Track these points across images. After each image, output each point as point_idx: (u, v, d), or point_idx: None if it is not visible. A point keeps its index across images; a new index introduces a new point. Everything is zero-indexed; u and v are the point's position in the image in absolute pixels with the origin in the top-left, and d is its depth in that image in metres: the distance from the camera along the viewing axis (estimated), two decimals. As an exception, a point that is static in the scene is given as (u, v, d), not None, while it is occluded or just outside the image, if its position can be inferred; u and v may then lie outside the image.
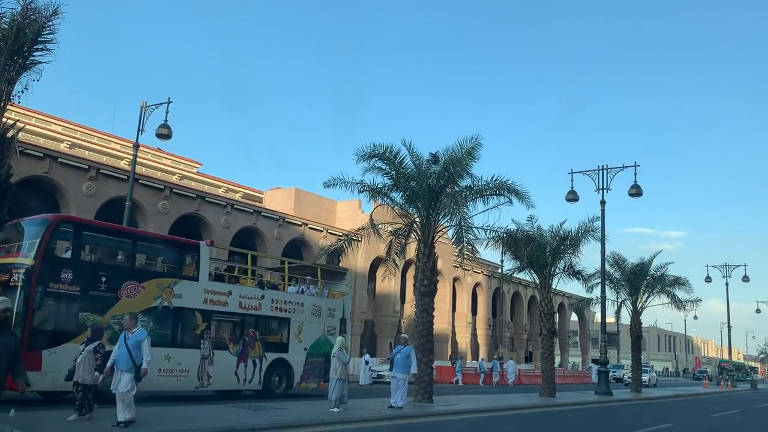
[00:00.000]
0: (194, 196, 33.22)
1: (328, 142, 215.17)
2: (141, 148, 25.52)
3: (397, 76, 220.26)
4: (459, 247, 18.30)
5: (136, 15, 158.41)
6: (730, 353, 63.62)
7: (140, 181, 29.67)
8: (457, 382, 37.77)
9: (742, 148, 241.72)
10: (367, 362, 30.43)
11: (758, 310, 77.77)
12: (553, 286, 28.22)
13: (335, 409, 14.82)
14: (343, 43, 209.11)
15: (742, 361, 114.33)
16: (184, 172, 49.79)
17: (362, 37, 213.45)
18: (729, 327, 57.49)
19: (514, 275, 32.20)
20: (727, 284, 53.31)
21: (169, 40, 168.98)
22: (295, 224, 38.39)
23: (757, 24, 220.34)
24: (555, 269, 27.45)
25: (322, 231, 39.56)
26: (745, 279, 53.45)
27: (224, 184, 51.47)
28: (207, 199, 33.90)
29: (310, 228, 39.11)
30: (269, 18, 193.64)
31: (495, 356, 48.35)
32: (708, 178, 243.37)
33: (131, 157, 23.39)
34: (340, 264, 41.23)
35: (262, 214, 36.69)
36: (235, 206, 35.30)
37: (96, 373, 10.97)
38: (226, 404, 15.75)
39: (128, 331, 10.85)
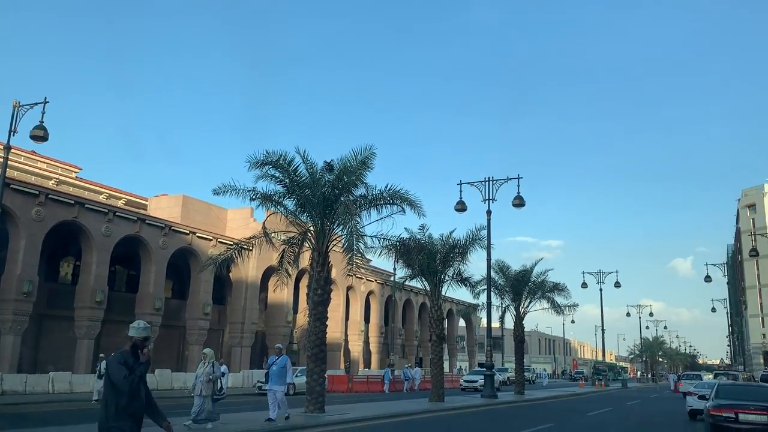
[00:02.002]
0: (72, 202, 31.23)
1: (230, 145, 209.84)
2: (13, 150, 23.72)
3: (307, 82, 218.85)
4: (349, 256, 18.38)
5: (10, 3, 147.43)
6: (603, 355, 67.84)
7: (12, 185, 27.47)
8: (387, 389, 38.29)
9: (614, 163, 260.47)
10: (223, 374, 28.96)
11: (628, 314, 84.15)
12: (443, 293, 28.96)
13: (188, 423, 14.02)
14: (253, 50, 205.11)
15: (614, 362, 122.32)
16: (61, 177, 46.69)
17: (274, 43, 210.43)
18: (603, 330, 61.44)
19: (406, 283, 32.76)
20: (601, 290, 57.04)
21: (55, 36, 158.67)
22: (182, 233, 37.02)
23: (637, 49, 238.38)
24: (445, 276, 28.21)
25: (211, 240, 38.40)
26: (617, 285, 57.37)
27: (106, 190, 48.80)
28: (86, 205, 31.98)
29: (198, 236, 37.85)
30: (169, 20, 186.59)
31: (392, 364, 48.81)
32: (583, 190, 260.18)
33: (1, 160, 21.65)
34: (230, 274, 40.36)
35: (147, 221, 35.08)
36: (117, 213, 33.50)
37: None
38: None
39: None
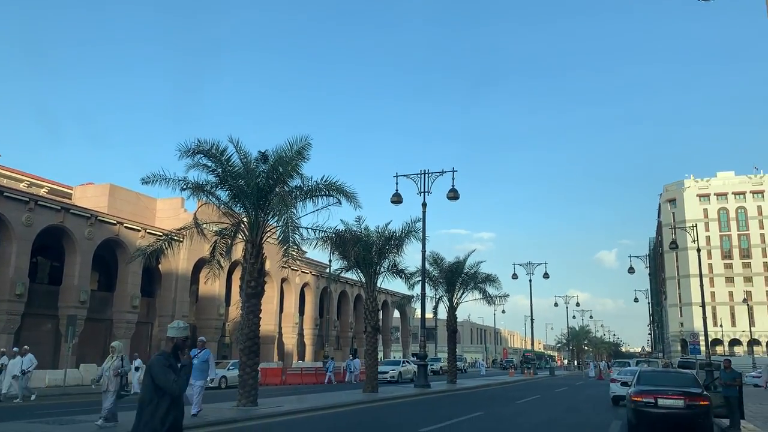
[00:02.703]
0: (-11, 190, 29.62)
1: (160, 132, 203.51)
2: None
3: (242, 69, 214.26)
4: (285, 248, 18.14)
5: None
6: (532, 344, 69.94)
7: None
8: (330, 381, 38.42)
9: (543, 159, 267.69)
10: (137, 368, 26.42)
11: (556, 304, 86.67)
12: (378, 285, 29.06)
13: (99, 422, 13.08)
14: (183, 34, 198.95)
15: (543, 351, 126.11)
16: (-24, 163, 44.23)
17: (207, 27, 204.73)
18: (532, 320, 63.21)
19: (342, 275, 32.71)
20: (530, 281, 58.64)
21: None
22: (110, 223, 35.72)
23: (569, 48, 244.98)
24: (380, 268, 28.31)
25: (139, 230, 37.22)
26: (546, 276, 59.12)
27: (27, 178, 46.47)
28: (5, 193, 30.38)
29: (126, 227, 36.61)
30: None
31: (327, 356, 48.73)
32: (514, 184, 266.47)
33: None
34: (160, 266, 39.22)
35: (71, 211, 33.64)
36: (39, 202, 31.98)
37: None
38: (30, 420, 14.33)
39: None
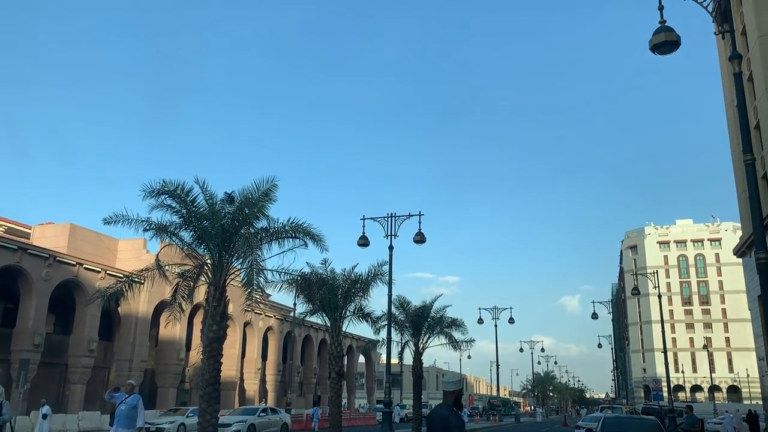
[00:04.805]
0: (-57, 228, 28.71)
1: (127, 172, 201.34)
2: None
3: (206, 117, 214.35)
4: (249, 290, 17.81)
5: None
6: (498, 390, 69.41)
7: None
8: (314, 428, 38.36)
9: (508, 205, 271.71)
10: (45, 415, 23.74)
11: (521, 349, 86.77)
12: (344, 329, 28.68)
13: None
14: (155, 80, 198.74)
15: (508, 397, 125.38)
16: (-70, 201, 42.92)
17: (177, 74, 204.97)
18: (497, 365, 62.93)
19: (307, 318, 32.23)
20: (496, 325, 58.56)
21: None
22: (69, 264, 34.82)
23: (531, 93, 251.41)
24: (346, 312, 27.94)
25: (99, 272, 36.33)
26: (511, 321, 59.13)
27: (-17, 217, 45.24)
28: (-41, 232, 29.50)
29: (85, 268, 35.70)
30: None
31: (290, 402, 47.59)
32: (479, 229, 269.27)
33: None
34: (119, 308, 38.22)
35: (29, 251, 32.74)
36: (-5, 242, 31.09)
37: None
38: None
39: None
